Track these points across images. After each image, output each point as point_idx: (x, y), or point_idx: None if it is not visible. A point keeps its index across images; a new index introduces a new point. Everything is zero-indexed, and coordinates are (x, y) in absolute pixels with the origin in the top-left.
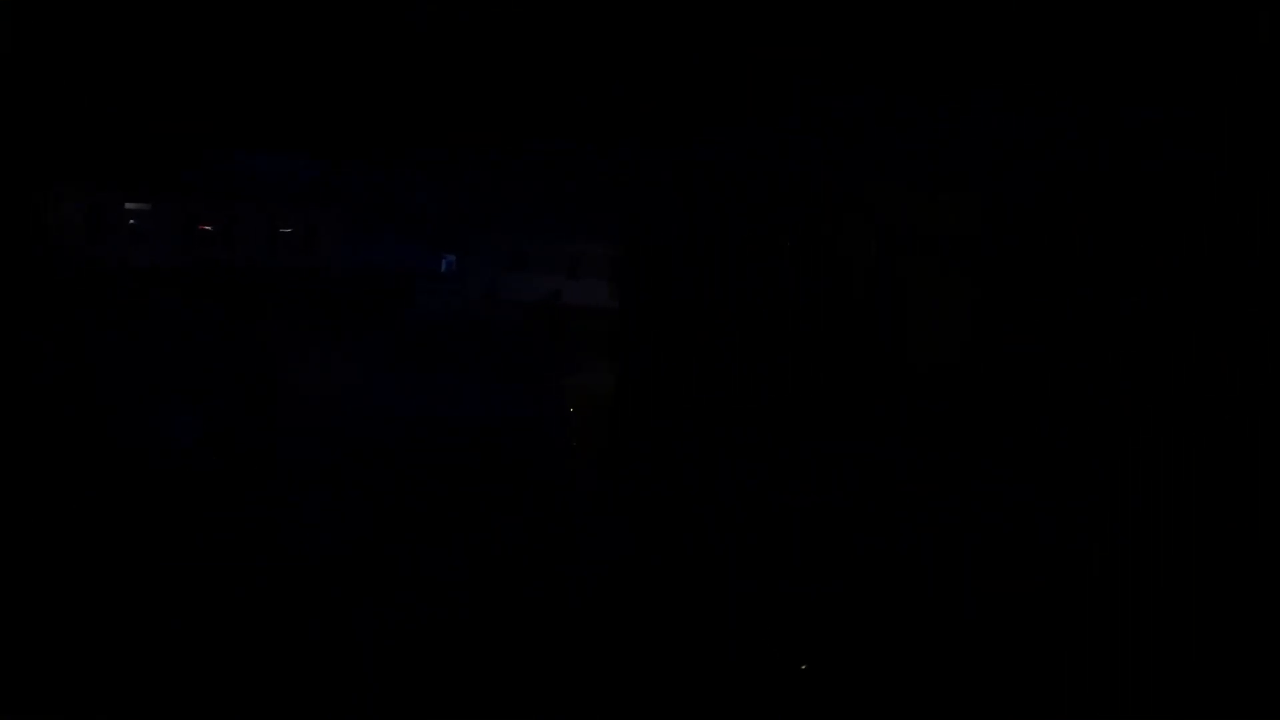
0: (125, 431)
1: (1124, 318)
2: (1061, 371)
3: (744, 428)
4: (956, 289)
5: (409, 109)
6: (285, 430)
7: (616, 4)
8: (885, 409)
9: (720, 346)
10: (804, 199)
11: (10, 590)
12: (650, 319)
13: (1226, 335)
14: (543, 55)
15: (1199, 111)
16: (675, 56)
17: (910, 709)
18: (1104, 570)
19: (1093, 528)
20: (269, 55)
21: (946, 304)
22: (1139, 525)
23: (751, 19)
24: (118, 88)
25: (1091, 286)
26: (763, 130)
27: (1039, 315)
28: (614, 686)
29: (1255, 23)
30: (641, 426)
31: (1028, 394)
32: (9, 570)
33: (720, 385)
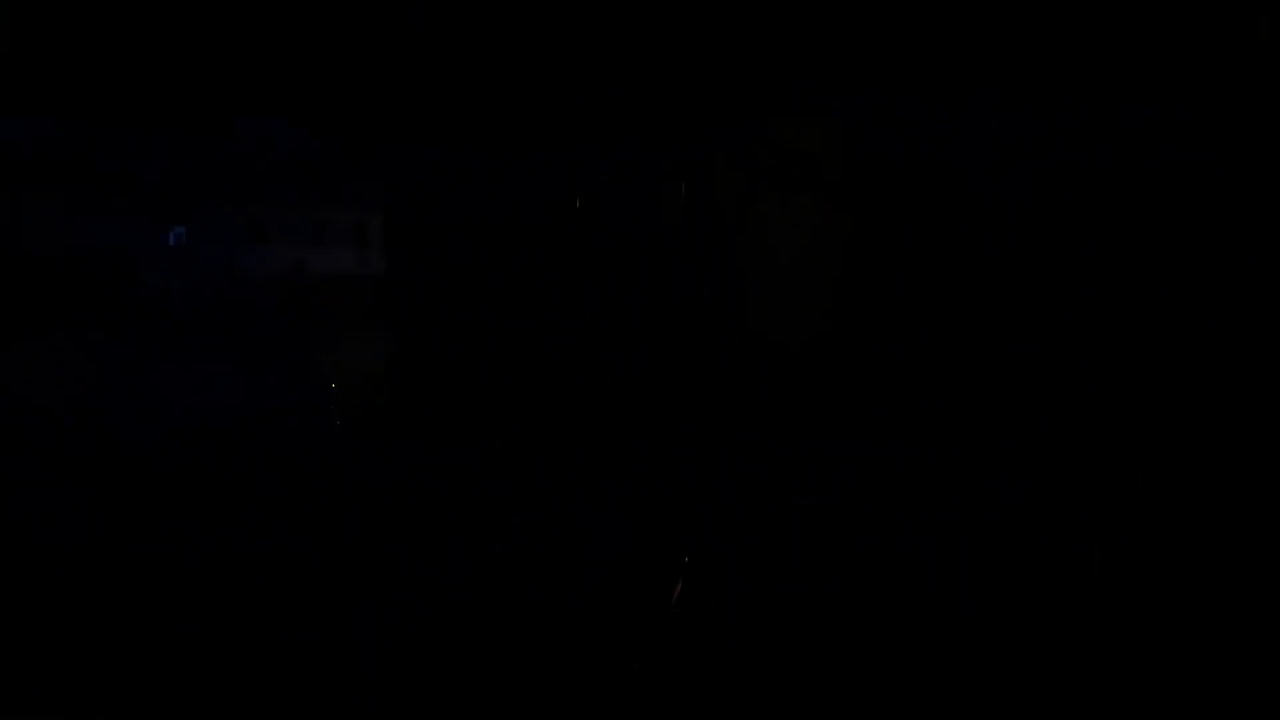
0: None
1: (1124, 318)
2: (1062, 371)
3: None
4: (955, 287)
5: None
6: None
7: (616, 4)
8: (885, 409)
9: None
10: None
11: None
12: (428, 288)
13: (1226, 335)
14: (542, 55)
15: (1199, 111)
16: (675, 56)
17: (910, 709)
18: (1104, 570)
19: (1093, 528)
20: None
21: (944, 303)
22: (1139, 525)
23: (751, 19)
24: None
25: (1091, 286)
26: (762, 130)
27: (1038, 315)
28: (613, 686)
29: (1255, 23)
30: (426, 403)
31: (1029, 394)
32: None
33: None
